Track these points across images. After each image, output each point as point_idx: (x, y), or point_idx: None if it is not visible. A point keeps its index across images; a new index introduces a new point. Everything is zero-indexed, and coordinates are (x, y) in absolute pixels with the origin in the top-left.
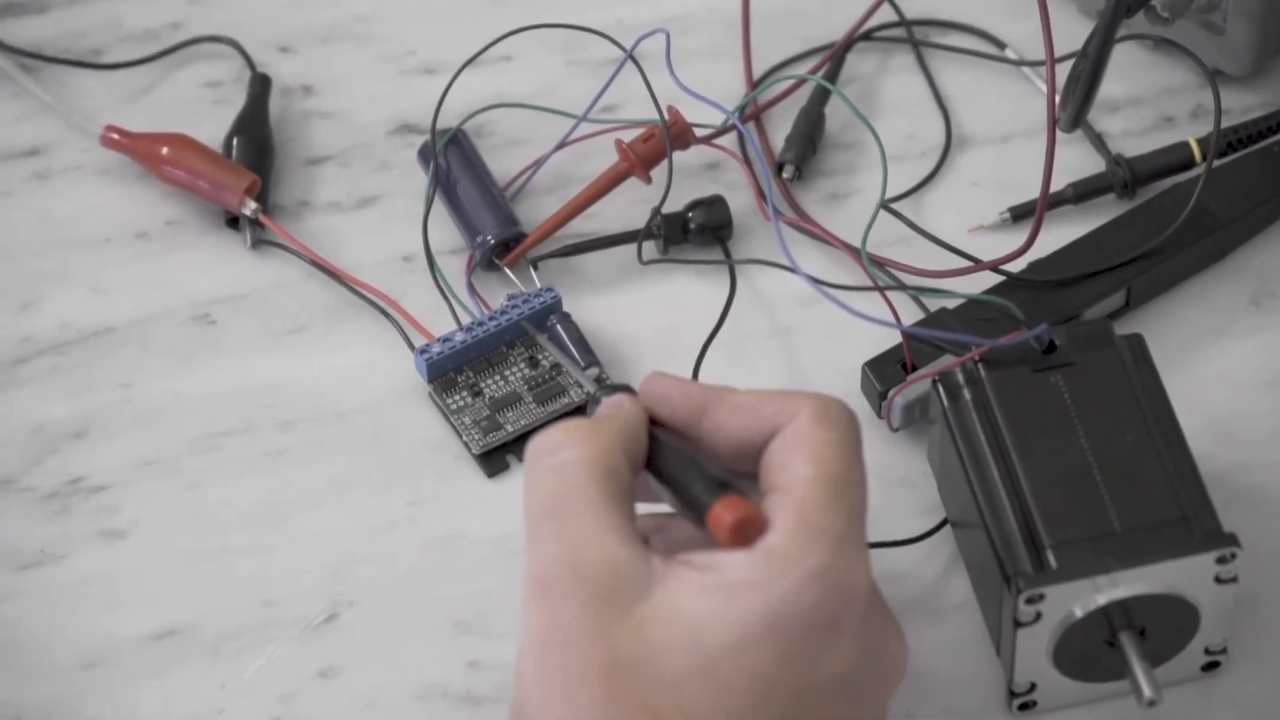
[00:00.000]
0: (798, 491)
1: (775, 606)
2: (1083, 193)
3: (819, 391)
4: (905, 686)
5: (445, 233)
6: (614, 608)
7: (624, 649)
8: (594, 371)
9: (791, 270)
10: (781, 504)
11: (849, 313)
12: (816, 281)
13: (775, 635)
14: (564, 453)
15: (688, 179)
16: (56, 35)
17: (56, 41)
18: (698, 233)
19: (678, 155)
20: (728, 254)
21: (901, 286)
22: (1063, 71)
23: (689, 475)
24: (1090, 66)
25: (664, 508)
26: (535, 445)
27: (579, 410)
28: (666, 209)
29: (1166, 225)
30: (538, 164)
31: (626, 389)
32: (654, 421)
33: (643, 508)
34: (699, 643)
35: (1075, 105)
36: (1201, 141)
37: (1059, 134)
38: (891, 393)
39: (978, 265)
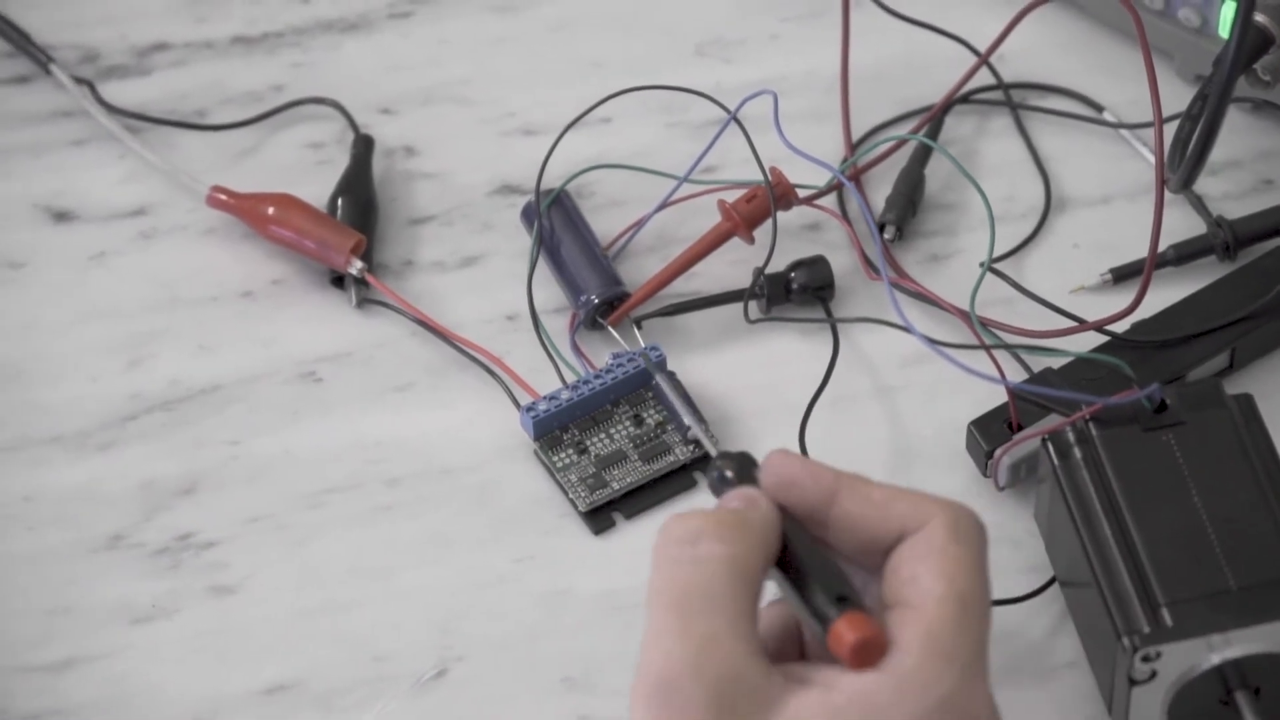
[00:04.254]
0: (928, 611)
1: None
2: (1184, 254)
3: (951, 500)
4: None
5: (547, 292)
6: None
7: None
8: (701, 429)
9: (903, 329)
10: (909, 621)
11: (963, 371)
12: (932, 341)
13: None
14: (706, 546)
15: (787, 239)
16: (160, 97)
17: (161, 103)
18: (800, 292)
19: (778, 216)
20: (829, 314)
21: (1008, 346)
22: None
23: (812, 582)
24: (1206, 125)
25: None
26: (674, 529)
27: (683, 469)
28: (766, 269)
29: (1270, 287)
30: (639, 224)
31: (748, 459)
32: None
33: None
34: None
35: (1189, 165)
36: None
37: None
38: (998, 452)
39: (1084, 325)
